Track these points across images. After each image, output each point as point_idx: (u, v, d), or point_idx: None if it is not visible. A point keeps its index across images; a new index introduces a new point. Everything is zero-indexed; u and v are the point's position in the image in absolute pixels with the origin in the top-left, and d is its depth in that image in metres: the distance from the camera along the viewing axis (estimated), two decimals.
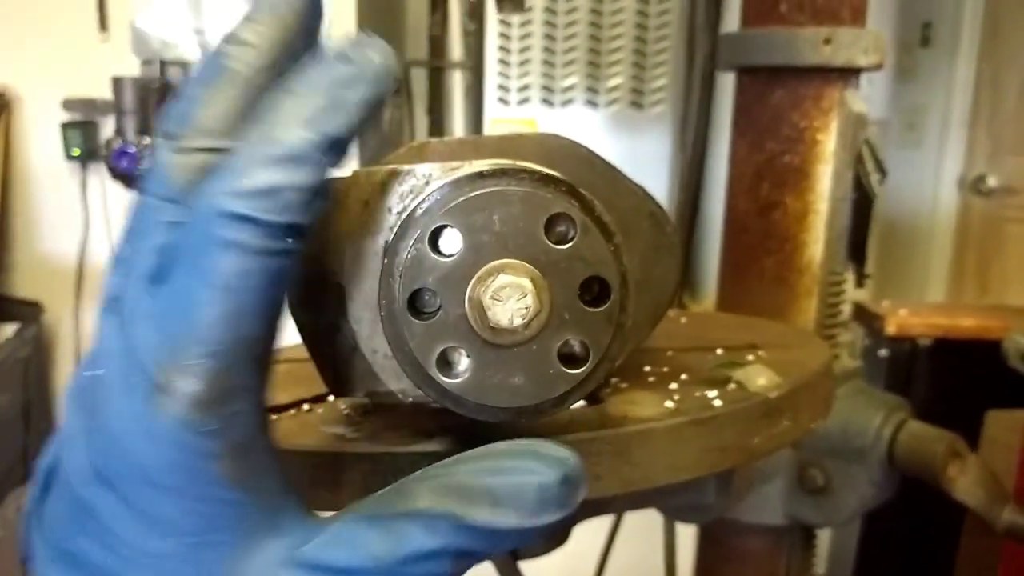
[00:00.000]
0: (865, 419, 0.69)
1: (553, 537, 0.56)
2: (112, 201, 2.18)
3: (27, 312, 2.21)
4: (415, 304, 0.30)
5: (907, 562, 1.15)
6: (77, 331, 2.26)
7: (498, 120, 2.19)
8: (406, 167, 0.35)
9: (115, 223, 2.19)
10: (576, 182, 0.37)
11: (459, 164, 0.34)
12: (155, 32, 2.16)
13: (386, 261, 0.30)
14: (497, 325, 0.28)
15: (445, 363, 0.30)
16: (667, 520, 0.77)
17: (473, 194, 0.29)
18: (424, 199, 0.30)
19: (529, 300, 0.28)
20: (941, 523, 1.08)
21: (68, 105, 2.19)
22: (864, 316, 1.05)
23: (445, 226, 0.29)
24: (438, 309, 0.29)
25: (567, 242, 0.29)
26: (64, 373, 2.31)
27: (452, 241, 0.29)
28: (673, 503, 0.67)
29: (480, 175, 0.30)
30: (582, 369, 0.30)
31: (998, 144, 2.64)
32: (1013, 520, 0.69)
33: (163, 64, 2.14)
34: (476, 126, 2.20)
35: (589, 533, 0.75)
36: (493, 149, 0.41)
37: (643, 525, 0.85)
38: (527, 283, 0.28)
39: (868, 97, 2.25)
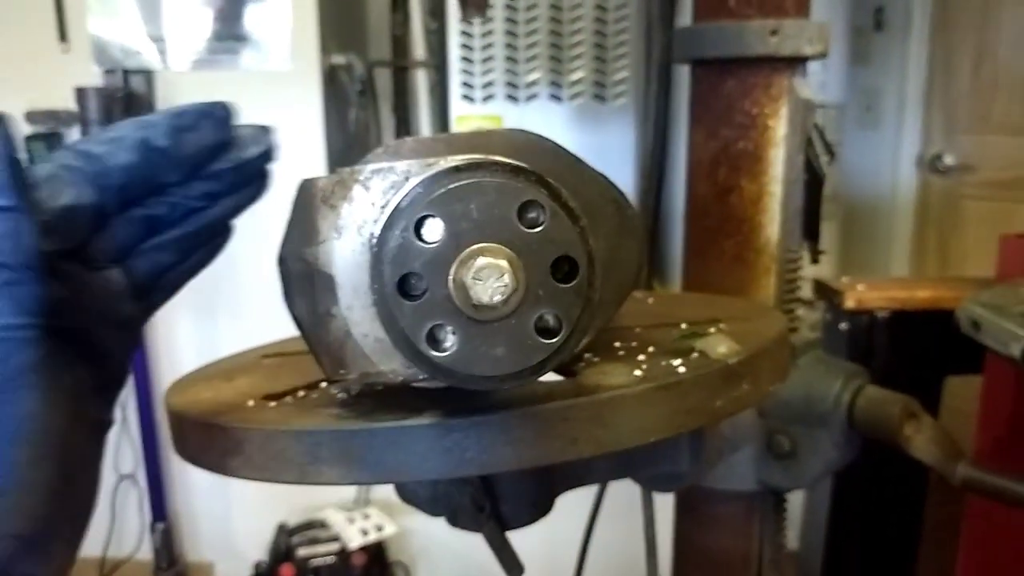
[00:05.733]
0: (825, 386, 0.73)
1: (537, 506, 0.59)
2: None
3: None
4: (404, 288, 0.33)
5: (877, 530, 1.20)
6: None
7: (463, 117, 2.21)
8: (387, 164, 0.39)
9: None
10: (544, 173, 0.41)
11: (435, 160, 0.38)
12: (115, 41, 2.16)
13: (375, 250, 0.33)
14: (479, 302, 0.32)
15: (433, 340, 0.33)
16: (645, 494, 0.81)
17: (452, 186, 0.32)
18: (407, 193, 0.33)
19: (507, 279, 0.32)
20: (909, 484, 1.13)
21: (31, 117, 2.18)
22: (824, 291, 1.10)
23: (428, 216, 0.32)
24: (425, 291, 0.32)
25: (538, 226, 0.33)
26: None
27: (434, 229, 0.33)
28: (649, 472, 0.71)
29: (457, 169, 0.33)
30: (556, 339, 0.33)
31: (953, 123, 2.71)
32: (967, 474, 0.73)
33: (126, 73, 2.14)
34: (442, 124, 2.22)
35: (571, 511, 0.79)
36: (465, 145, 0.44)
37: (623, 503, 0.89)
38: (504, 264, 0.32)
39: (824, 82, 2.29)
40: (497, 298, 0.32)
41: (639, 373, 0.44)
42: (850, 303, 1.04)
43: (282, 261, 0.41)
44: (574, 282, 0.33)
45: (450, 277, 0.32)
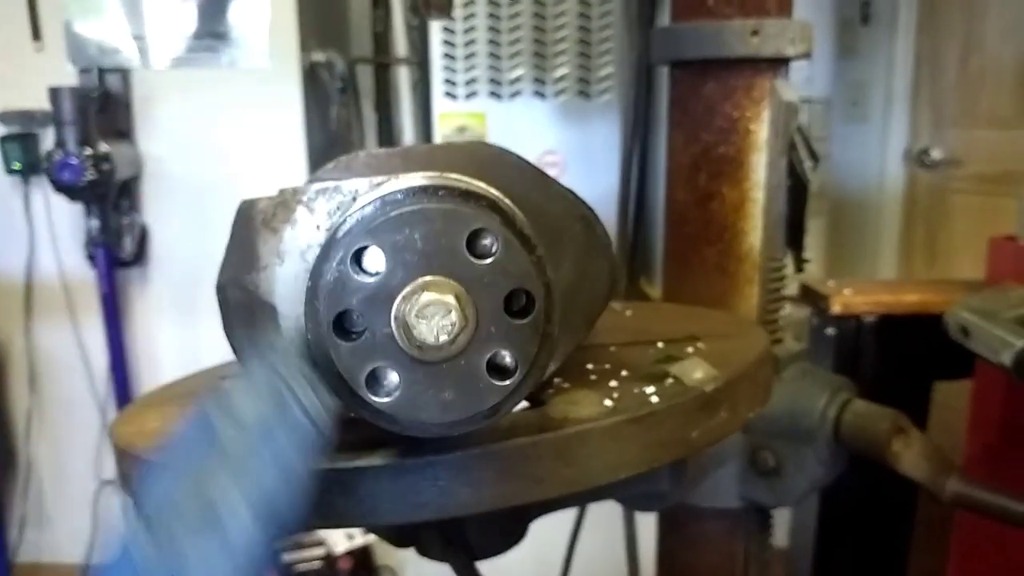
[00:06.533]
0: (811, 400, 0.70)
1: (508, 536, 0.56)
2: (57, 214, 2.14)
3: None
4: (343, 325, 0.30)
5: (866, 531, 1.18)
6: (29, 348, 2.22)
7: (446, 115, 2.18)
8: (332, 183, 0.36)
9: (61, 236, 2.15)
10: (506, 189, 0.38)
11: (385, 179, 0.35)
12: (91, 39, 2.11)
13: (310, 284, 0.30)
14: (423, 343, 0.29)
15: (375, 382, 0.30)
16: (627, 513, 0.78)
17: (394, 213, 0.29)
18: (345, 220, 0.30)
19: (454, 317, 0.29)
20: (898, 493, 1.11)
21: (5, 118, 2.14)
22: (810, 296, 1.07)
23: (367, 246, 0.29)
24: (364, 330, 0.29)
25: (489, 256, 0.30)
26: (18, 390, 2.26)
27: (377, 259, 0.30)
28: (629, 493, 0.68)
29: (401, 194, 0.30)
30: (511, 380, 0.30)
31: (940, 117, 2.69)
32: (958, 490, 0.71)
33: (101, 72, 2.10)
34: (424, 121, 2.19)
35: (555, 529, 0.76)
36: (422, 160, 0.41)
37: (606, 516, 0.86)
38: (451, 300, 0.29)
39: (811, 76, 2.26)
40: (443, 338, 0.29)
41: (609, 403, 0.41)
42: (837, 308, 1.02)
43: (220, 289, 0.38)
44: (530, 317, 0.30)
45: (392, 315, 0.29)
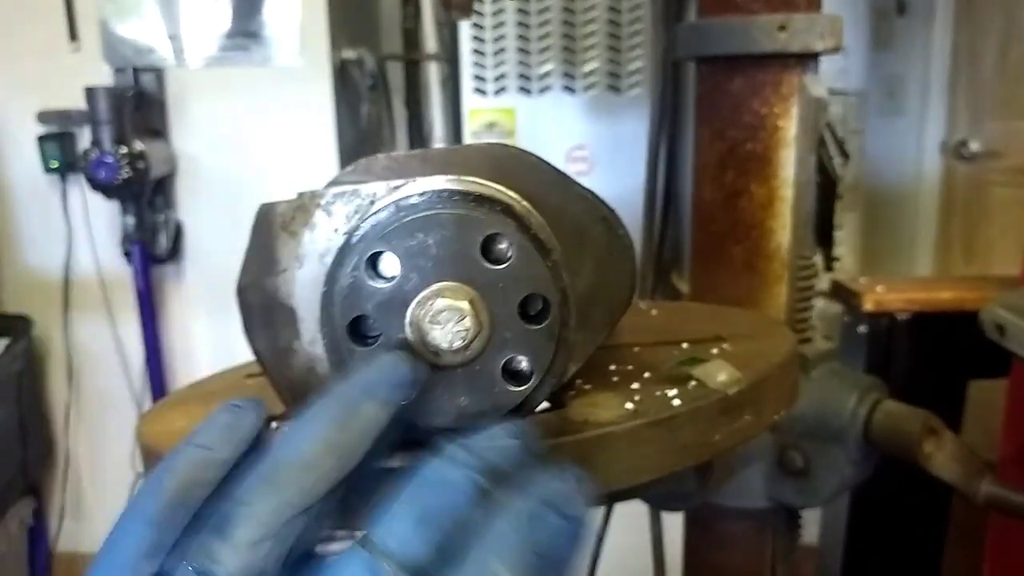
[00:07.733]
0: (840, 400, 0.69)
1: None
2: (93, 212, 2.17)
3: (17, 327, 2.20)
4: (358, 329, 0.30)
5: (899, 530, 1.16)
6: (67, 342, 2.26)
7: (476, 110, 2.18)
8: (351, 187, 0.36)
9: (97, 233, 2.18)
10: (525, 191, 0.37)
11: (403, 182, 0.35)
12: (126, 38, 2.14)
13: (325, 289, 0.30)
14: (438, 348, 0.29)
15: None
16: (653, 512, 0.77)
17: (408, 219, 0.29)
18: (360, 225, 0.30)
19: (468, 322, 0.29)
20: (932, 489, 1.09)
21: (43, 117, 2.17)
22: (842, 293, 1.05)
23: (381, 252, 0.29)
24: (379, 335, 0.29)
25: (504, 262, 0.29)
26: (57, 385, 2.31)
27: (392, 264, 0.30)
28: (655, 493, 0.68)
29: (415, 198, 0.30)
30: (526, 386, 0.30)
31: (978, 109, 2.64)
32: (991, 492, 0.70)
33: (136, 71, 2.13)
34: (454, 117, 2.19)
35: None
36: (440, 163, 0.41)
37: (633, 515, 0.86)
38: (465, 306, 0.29)
39: (846, 68, 2.22)
40: (457, 343, 0.29)
41: (631, 406, 0.41)
42: (869, 305, 1.00)
43: (241, 291, 0.38)
44: (545, 323, 0.30)
45: (407, 320, 0.29)
